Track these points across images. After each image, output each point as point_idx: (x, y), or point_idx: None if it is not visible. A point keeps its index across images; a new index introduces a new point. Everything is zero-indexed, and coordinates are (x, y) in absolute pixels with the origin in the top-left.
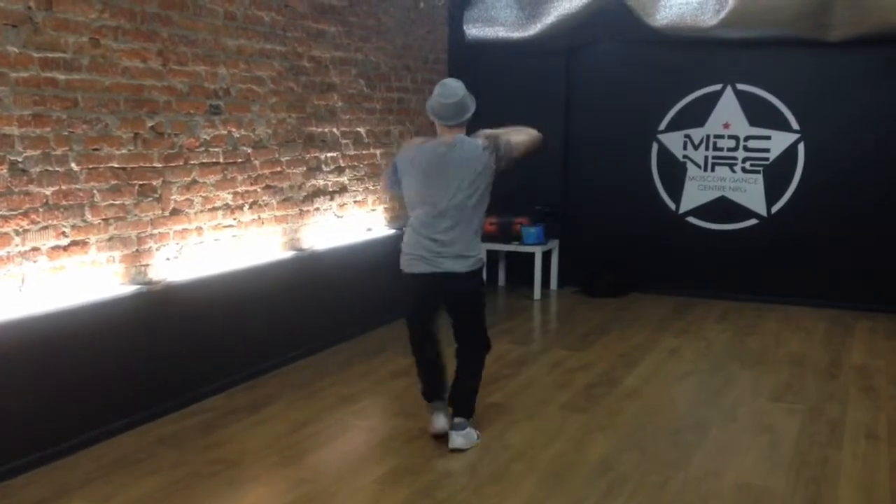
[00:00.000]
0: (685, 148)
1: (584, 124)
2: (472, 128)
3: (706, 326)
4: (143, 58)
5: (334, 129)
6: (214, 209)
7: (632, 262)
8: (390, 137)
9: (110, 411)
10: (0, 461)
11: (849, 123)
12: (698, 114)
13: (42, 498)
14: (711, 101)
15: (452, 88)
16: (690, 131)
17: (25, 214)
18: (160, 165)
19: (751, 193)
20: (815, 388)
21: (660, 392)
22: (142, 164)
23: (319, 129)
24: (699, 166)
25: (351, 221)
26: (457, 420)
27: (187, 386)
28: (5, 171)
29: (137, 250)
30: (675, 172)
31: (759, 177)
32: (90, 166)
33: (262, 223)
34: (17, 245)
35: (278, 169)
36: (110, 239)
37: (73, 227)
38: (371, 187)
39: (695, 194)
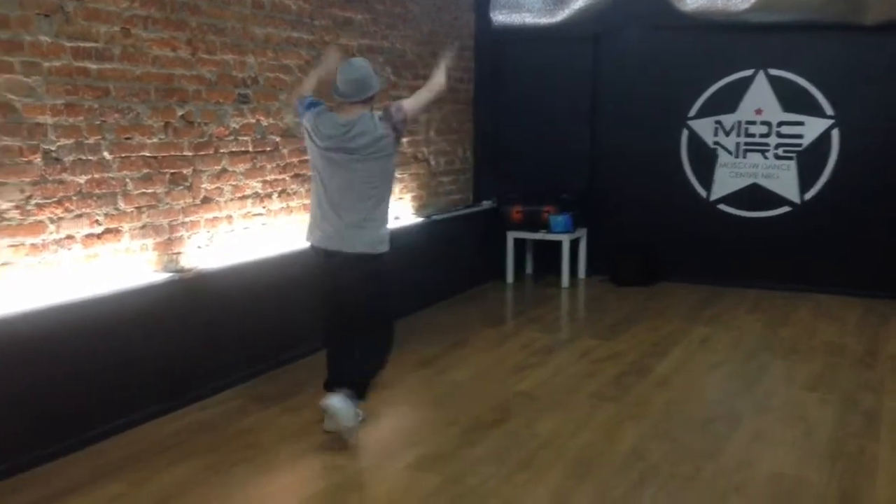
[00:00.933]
0: (716, 134)
1: (612, 111)
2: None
3: (737, 316)
4: (173, 47)
5: None
6: (244, 197)
7: (661, 251)
8: (417, 125)
9: (144, 397)
10: (37, 445)
11: (884, 109)
12: (729, 100)
13: (78, 482)
14: (743, 86)
15: (356, 66)
16: (721, 117)
17: (59, 203)
18: (190, 154)
19: (783, 180)
20: (851, 377)
21: (690, 381)
22: (172, 153)
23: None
24: (730, 153)
25: None
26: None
27: (218, 372)
28: (39, 159)
29: (169, 238)
30: (705, 159)
31: (793, 163)
32: (122, 155)
33: (291, 211)
34: (51, 233)
35: (306, 157)
36: (143, 227)
37: (106, 215)
38: (398, 176)
39: (726, 181)
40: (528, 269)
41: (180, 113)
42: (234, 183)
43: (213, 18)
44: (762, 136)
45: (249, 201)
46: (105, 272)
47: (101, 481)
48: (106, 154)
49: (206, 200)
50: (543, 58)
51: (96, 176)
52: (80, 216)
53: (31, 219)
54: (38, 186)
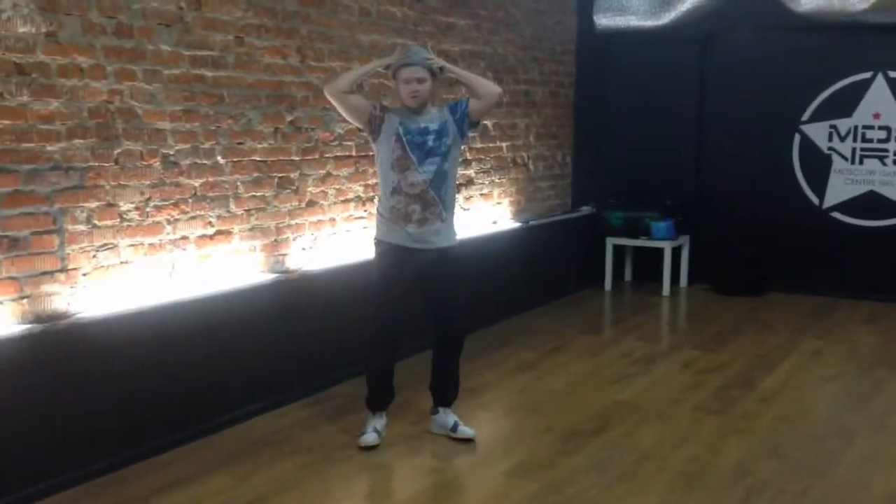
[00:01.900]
0: (830, 139)
1: (720, 115)
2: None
3: (851, 328)
4: (284, 55)
5: None
6: (347, 201)
7: (769, 259)
8: (517, 130)
9: (250, 393)
10: (147, 438)
11: None
12: (846, 103)
13: (186, 475)
14: (860, 89)
15: None
16: (837, 122)
17: (176, 205)
18: (298, 159)
19: None
20: None
21: (801, 396)
22: (281, 158)
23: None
24: (846, 159)
25: (476, 214)
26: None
27: (320, 372)
28: (158, 163)
29: (276, 240)
30: (819, 165)
31: None
32: (234, 159)
33: None
34: (168, 233)
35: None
36: (251, 229)
37: (218, 217)
38: (497, 180)
39: (840, 188)
40: (627, 276)
41: (289, 119)
42: (337, 186)
43: (322, 26)
44: (880, 141)
45: (352, 204)
46: (216, 272)
47: (209, 474)
48: (219, 158)
49: (311, 204)
50: (648, 61)
51: (210, 179)
52: (194, 218)
53: (150, 220)
54: (157, 189)
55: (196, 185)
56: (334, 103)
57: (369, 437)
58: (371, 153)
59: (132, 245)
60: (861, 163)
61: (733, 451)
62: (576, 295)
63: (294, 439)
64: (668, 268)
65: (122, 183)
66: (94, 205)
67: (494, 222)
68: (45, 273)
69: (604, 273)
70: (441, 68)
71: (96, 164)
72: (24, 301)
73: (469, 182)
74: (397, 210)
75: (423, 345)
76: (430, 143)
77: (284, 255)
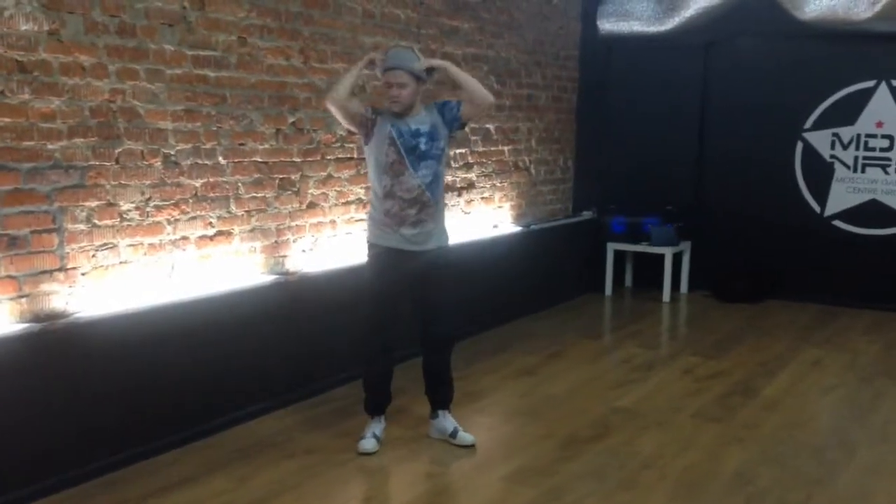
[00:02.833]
0: (833, 147)
1: (722, 122)
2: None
3: (852, 337)
4: (287, 55)
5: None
6: (347, 203)
7: (770, 267)
8: (518, 134)
9: (251, 395)
10: (146, 439)
11: None
12: (848, 112)
13: (187, 475)
14: (863, 98)
15: None
16: (839, 130)
17: (176, 205)
18: (299, 160)
19: None
20: None
21: (801, 405)
22: (282, 159)
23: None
24: (848, 167)
25: (477, 218)
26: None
27: (321, 374)
28: (159, 163)
29: (276, 241)
30: (821, 173)
31: None
32: (236, 160)
33: None
34: (168, 234)
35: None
36: (252, 230)
37: (219, 217)
38: (498, 184)
39: (842, 197)
40: (628, 282)
41: (291, 120)
42: (338, 189)
43: (325, 28)
44: (883, 150)
45: (353, 207)
46: (215, 273)
47: (209, 476)
48: (221, 159)
49: (312, 205)
50: (651, 66)
51: (211, 180)
52: (194, 218)
53: (150, 220)
54: (158, 189)
55: (197, 185)
56: (336, 112)
57: (368, 444)
58: None
59: (132, 245)
60: (863, 171)
61: (733, 460)
62: (576, 300)
63: (293, 442)
64: (669, 274)
65: (122, 182)
66: (94, 204)
67: (495, 226)
68: (44, 272)
69: (604, 278)
70: (430, 70)
71: (97, 163)
72: (23, 300)
73: (470, 185)
74: (392, 214)
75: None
76: (423, 146)
77: (285, 256)
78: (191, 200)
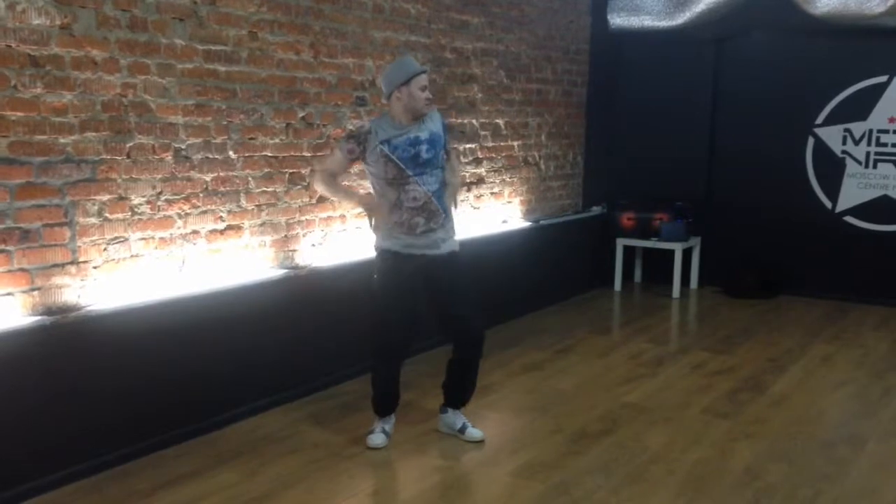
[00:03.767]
0: (844, 143)
1: (733, 117)
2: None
3: (862, 333)
4: (297, 50)
5: (473, 121)
6: None
7: (780, 262)
8: (528, 129)
9: (259, 389)
10: (155, 432)
11: None
12: (860, 107)
13: (196, 468)
14: (876, 93)
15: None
16: (851, 125)
17: (187, 199)
18: (309, 155)
19: None
20: None
21: (811, 401)
22: (292, 154)
23: (459, 121)
24: (860, 163)
25: (487, 213)
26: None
27: (328, 368)
28: (170, 157)
29: (286, 236)
30: (832, 169)
31: None
32: (246, 154)
33: None
34: (178, 228)
35: None
36: (262, 224)
37: (229, 212)
38: (508, 179)
39: (854, 192)
40: (637, 277)
41: (301, 115)
42: (348, 183)
43: (336, 22)
44: (895, 145)
45: None
46: (226, 267)
47: (218, 469)
48: (231, 153)
49: (322, 200)
50: (662, 61)
51: (221, 174)
52: (205, 212)
53: (161, 214)
54: (168, 183)
55: (207, 179)
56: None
57: (377, 439)
58: None
59: (143, 239)
60: (875, 167)
61: (742, 455)
62: (585, 295)
63: (301, 436)
64: (679, 269)
65: (133, 176)
66: (105, 198)
67: (504, 221)
68: (55, 265)
69: (614, 274)
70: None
71: (108, 157)
72: (35, 293)
73: (480, 181)
74: (400, 224)
75: (430, 344)
76: (424, 154)
77: (294, 250)
78: (201, 195)
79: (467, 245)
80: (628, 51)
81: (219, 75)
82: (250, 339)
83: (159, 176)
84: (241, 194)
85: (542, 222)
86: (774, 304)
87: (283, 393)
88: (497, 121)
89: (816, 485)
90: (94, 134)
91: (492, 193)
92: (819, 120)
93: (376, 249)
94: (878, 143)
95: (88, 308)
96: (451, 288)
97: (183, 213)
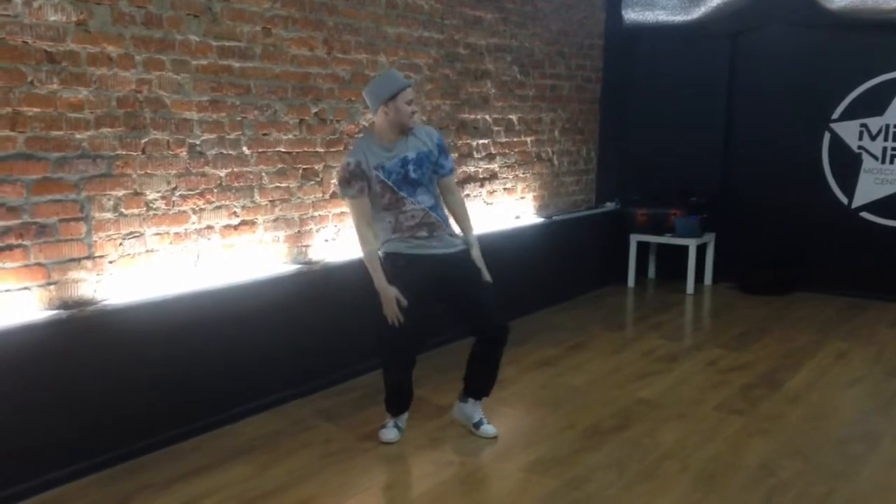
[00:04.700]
0: (861, 138)
1: (748, 112)
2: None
3: (878, 330)
4: (310, 46)
5: (486, 117)
6: None
7: (796, 259)
8: (541, 125)
9: (273, 383)
10: (169, 426)
11: None
12: (877, 102)
13: (210, 462)
14: (893, 88)
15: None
16: (868, 120)
17: (201, 194)
18: (322, 150)
19: None
20: None
21: (826, 398)
22: (306, 149)
23: (472, 116)
24: (876, 158)
25: (500, 209)
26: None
27: (342, 363)
28: (185, 153)
29: (299, 231)
30: (848, 164)
31: None
32: (260, 150)
33: None
34: (193, 223)
35: None
36: (276, 220)
37: (243, 207)
38: (521, 175)
39: (870, 188)
40: (651, 273)
41: (314, 110)
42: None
43: (349, 18)
44: None
45: None
46: (240, 262)
47: (232, 462)
48: (245, 149)
49: (335, 195)
50: (676, 56)
51: (235, 170)
52: (219, 208)
53: (176, 209)
54: (183, 178)
55: (221, 175)
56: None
57: (390, 434)
58: None
59: (158, 234)
60: (892, 162)
61: (756, 452)
62: (599, 291)
63: (314, 430)
64: (693, 265)
65: (148, 172)
66: (120, 193)
67: (518, 217)
68: (72, 260)
69: (627, 270)
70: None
71: (124, 152)
72: (52, 287)
73: (493, 176)
74: (403, 239)
75: (442, 340)
76: (412, 173)
77: (308, 246)
78: (215, 190)
79: (480, 241)
80: (643, 46)
81: (233, 71)
82: (264, 333)
83: (174, 171)
84: (255, 190)
85: (555, 218)
86: (789, 301)
87: (297, 387)
88: (510, 116)
89: (830, 482)
90: (109, 130)
91: (505, 189)
92: (835, 115)
93: (383, 254)
94: (895, 139)
95: (104, 302)
96: (469, 284)
97: (197, 209)
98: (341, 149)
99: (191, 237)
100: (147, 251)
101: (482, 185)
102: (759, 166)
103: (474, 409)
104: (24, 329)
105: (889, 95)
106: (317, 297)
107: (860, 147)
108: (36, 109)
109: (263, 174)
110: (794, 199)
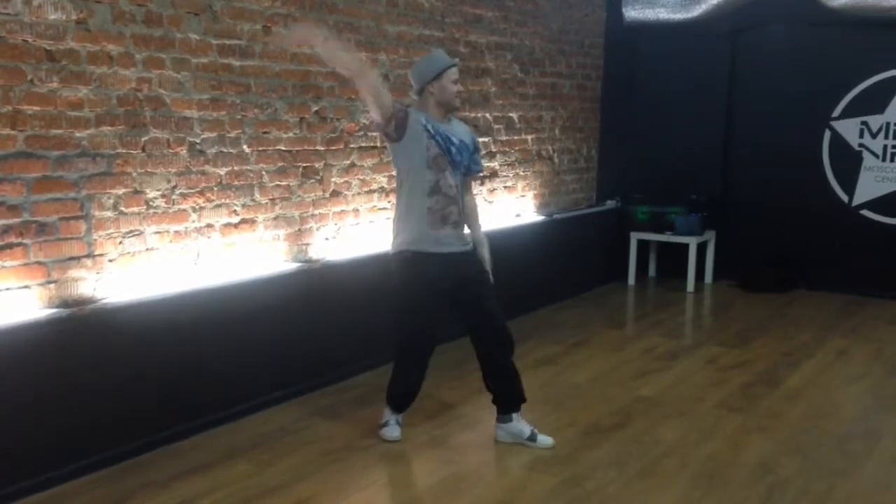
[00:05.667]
0: (861, 136)
1: (749, 110)
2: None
3: (879, 328)
4: (311, 45)
5: (487, 115)
6: (370, 192)
7: (796, 257)
8: (542, 123)
9: (273, 382)
10: (170, 424)
11: None
12: (878, 100)
13: (210, 460)
14: (893, 85)
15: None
16: (868, 118)
17: (202, 193)
18: (322, 149)
19: None
20: None
21: (826, 395)
22: (306, 148)
23: (473, 115)
24: (877, 156)
25: (500, 207)
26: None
27: (342, 361)
28: (185, 151)
29: (300, 229)
30: (849, 162)
31: None
32: (260, 148)
33: None
34: (193, 221)
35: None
36: (276, 218)
37: (243, 205)
38: (521, 173)
39: (871, 186)
40: (652, 271)
41: (315, 109)
42: (361, 177)
43: (349, 16)
44: None
45: (375, 195)
46: (240, 261)
47: (232, 461)
48: (245, 147)
49: (335, 194)
50: (677, 54)
51: (236, 168)
52: (219, 206)
53: (176, 207)
54: (183, 177)
55: (222, 173)
56: (371, 93)
57: (393, 432)
58: None
59: (158, 232)
60: (892, 160)
61: (756, 449)
62: (599, 290)
63: (314, 428)
64: (694, 264)
65: (148, 170)
66: (120, 191)
67: (518, 215)
68: (71, 258)
69: (628, 268)
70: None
71: (124, 151)
72: (52, 286)
73: (493, 174)
74: (433, 211)
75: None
76: (454, 153)
77: (308, 244)
78: (215, 188)
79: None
80: (643, 44)
81: (233, 70)
82: (264, 331)
83: (174, 170)
84: (255, 188)
85: (555, 216)
86: (789, 299)
87: (297, 385)
88: (511, 114)
89: (830, 479)
90: (109, 128)
91: (505, 187)
92: (836, 113)
93: (399, 252)
94: None
95: (104, 301)
96: (480, 288)
97: (197, 207)
98: (341, 147)
99: (191, 235)
100: (147, 249)
101: (482, 184)
102: (760, 164)
103: (521, 424)
104: (25, 328)
105: (889, 93)
106: (317, 296)
107: (861, 145)
108: (36, 108)
109: (264, 172)
110: (795, 197)
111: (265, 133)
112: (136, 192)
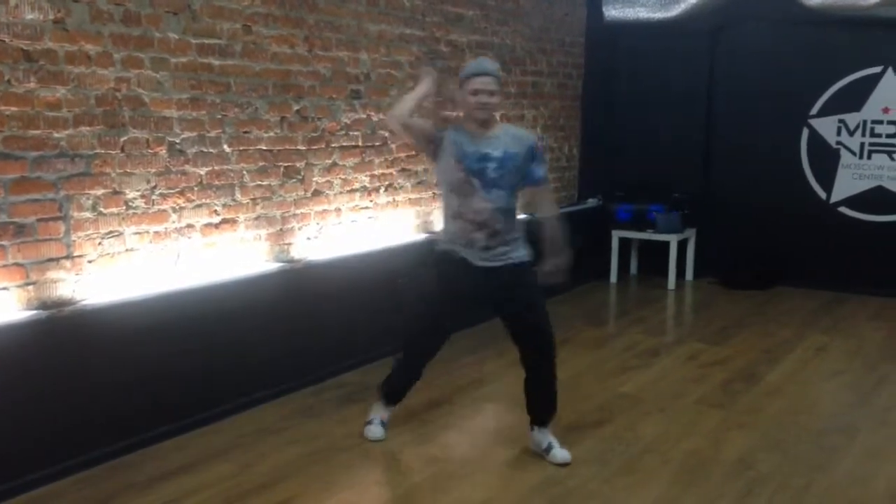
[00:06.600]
0: (839, 134)
1: (728, 109)
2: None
3: (858, 324)
4: (291, 44)
5: None
6: (352, 191)
7: (776, 254)
8: (524, 122)
9: (254, 382)
10: (152, 425)
11: None
12: (855, 98)
13: (192, 461)
14: (870, 84)
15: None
16: (845, 116)
17: (182, 193)
18: (304, 148)
19: None
20: None
21: (805, 391)
22: (287, 147)
23: (455, 114)
24: (854, 153)
25: None
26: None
27: (324, 361)
28: (164, 151)
29: (281, 229)
30: (827, 160)
31: None
32: (241, 148)
33: (397, 206)
34: (173, 222)
35: (414, 153)
36: (257, 218)
37: (224, 205)
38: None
39: (848, 183)
40: (633, 269)
41: (296, 108)
42: (343, 177)
43: (330, 16)
44: (889, 136)
45: (357, 195)
46: (221, 261)
47: (214, 461)
48: (225, 147)
49: (317, 193)
50: (657, 53)
51: (216, 168)
52: (200, 206)
53: (156, 208)
54: (163, 177)
55: (202, 173)
56: (400, 130)
57: (377, 431)
58: (377, 143)
59: (138, 233)
60: (869, 158)
61: (736, 445)
62: (581, 287)
63: (297, 428)
64: (675, 261)
65: (128, 171)
66: (99, 192)
67: None
68: (50, 260)
69: (609, 266)
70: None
71: (102, 151)
72: (30, 287)
73: None
74: (458, 236)
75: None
76: (491, 172)
77: (289, 244)
78: (196, 188)
79: (530, 260)
80: (623, 42)
81: (213, 69)
82: (246, 332)
83: (153, 170)
84: (236, 188)
85: (537, 215)
86: (770, 296)
87: (280, 385)
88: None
89: (809, 474)
90: (87, 128)
91: None
92: (813, 111)
93: (438, 249)
94: (873, 134)
95: (83, 302)
96: (520, 298)
97: (178, 207)
98: (323, 146)
99: (171, 236)
100: (127, 250)
101: None
102: (740, 162)
103: (542, 436)
104: (3, 329)
105: (866, 91)
106: (299, 296)
107: (838, 143)
108: (13, 108)
109: (244, 172)
110: (774, 195)
111: (246, 132)
112: (116, 192)
